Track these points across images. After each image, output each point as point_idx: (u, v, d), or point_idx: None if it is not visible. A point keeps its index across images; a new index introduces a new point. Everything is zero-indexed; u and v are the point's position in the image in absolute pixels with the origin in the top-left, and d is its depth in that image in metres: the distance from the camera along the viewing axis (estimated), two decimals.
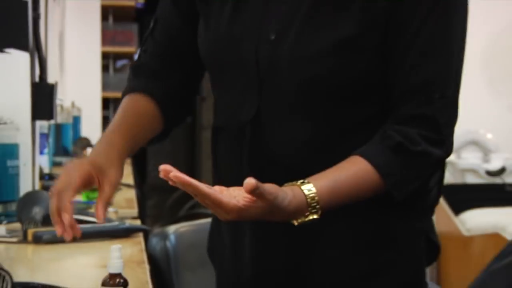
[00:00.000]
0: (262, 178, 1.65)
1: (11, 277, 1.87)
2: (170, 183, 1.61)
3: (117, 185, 1.84)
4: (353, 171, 1.80)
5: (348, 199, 1.80)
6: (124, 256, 2.13)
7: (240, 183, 1.65)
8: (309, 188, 1.71)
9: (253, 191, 1.55)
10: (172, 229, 2.87)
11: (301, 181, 1.73)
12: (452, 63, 1.88)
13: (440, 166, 1.94)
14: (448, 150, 1.89)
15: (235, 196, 1.64)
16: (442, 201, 8.15)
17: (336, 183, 1.77)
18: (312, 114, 1.89)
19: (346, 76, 1.85)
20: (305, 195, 1.71)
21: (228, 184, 1.74)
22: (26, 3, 3.47)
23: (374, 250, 1.95)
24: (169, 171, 1.58)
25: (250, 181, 1.54)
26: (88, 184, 1.79)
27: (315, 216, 1.73)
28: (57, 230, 1.76)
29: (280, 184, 1.73)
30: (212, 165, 2.22)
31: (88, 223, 2.93)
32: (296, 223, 1.74)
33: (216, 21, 1.97)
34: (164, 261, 2.65)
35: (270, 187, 1.62)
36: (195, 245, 2.74)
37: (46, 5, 5.57)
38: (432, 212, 2.01)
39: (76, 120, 6.35)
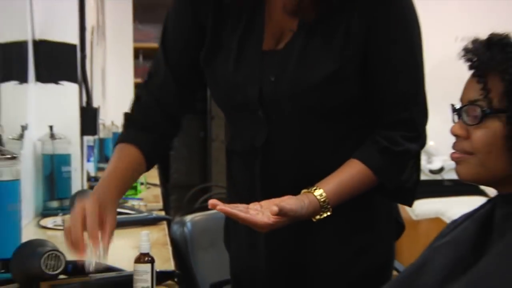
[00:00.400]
0: (272, 188, 1.86)
1: (64, 257, 1.86)
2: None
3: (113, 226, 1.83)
4: (352, 173, 1.85)
5: (351, 195, 1.84)
6: (152, 239, 2.14)
7: (253, 193, 1.89)
8: (320, 193, 1.78)
9: (278, 214, 1.64)
10: (188, 218, 2.87)
11: (314, 188, 1.79)
12: (419, 76, 1.92)
13: (418, 157, 1.98)
14: (423, 143, 1.95)
15: (264, 209, 1.69)
16: None
17: (341, 185, 1.82)
18: (310, 135, 1.91)
19: (335, 101, 1.87)
20: (318, 200, 1.77)
21: (243, 195, 1.96)
22: (75, 46, 3.46)
23: (359, 235, 1.96)
24: (216, 205, 1.63)
25: (273, 209, 1.63)
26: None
27: (328, 213, 1.79)
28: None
29: (286, 192, 1.78)
30: (227, 178, 2.22)
31: (124, 214, 2.95)
32: (314, 220, 1.79)
33: (222, 75, 1.95)
34: (183, 243, 2.66)
35: (290, 204, 1.70)
36: (206, 230, 2.75)
37: (91, 47, 5.59)
38: (411, 197, 2.06)
39: (115, 135, 6.37)
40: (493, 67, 1.60)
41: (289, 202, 1.71)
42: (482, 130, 1.60)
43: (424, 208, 6.70)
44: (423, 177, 7.50)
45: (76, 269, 1.93)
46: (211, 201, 1.66)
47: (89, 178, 4.22)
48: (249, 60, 1.91)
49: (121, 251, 1.96)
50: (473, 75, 1.64)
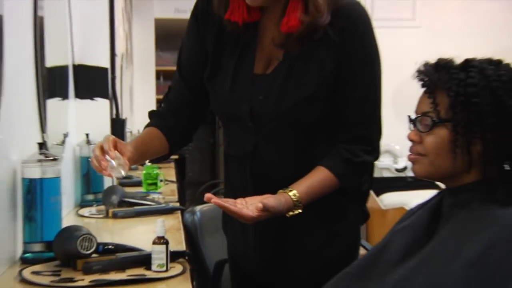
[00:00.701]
0: (259, 187, 1.88)
1: (96, 240, 1.88)
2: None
3: (131, 158, 1.82)
4: (321, 177, 1.86)
5: (318, 196, 1.85)
6: (168, 225, 2.16)
7: (245, 191, 1.90)
8: (294, 193, 1.80)
9: (262, 210, 1.68)
10: (198, 208, 2.87)
11: (289, 189, 1.80)
12: (377, 102, 1.95)
13: (372, 166, 2.01)
14: (377, 156, 1.98)
15: (248, 205, 1.73)
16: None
17: (311, 187, 1.84)
18: (290, 144, 1.92)
19: (310, 118, 1.90)
20: (292, 199, 1.79)
21: (237, 192, 1.93)
22: (107, 69, 3.48)
23: (333, 223, 1.97)
24: (210, 198, 1.71)
25: (259, 205, 1.68)
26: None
27: (300, 210, 1.81)
28: (104, 172, 1.81)
29: (271, 189, 1.82)
30: (224, 177, 2.23)
31: (145, 205, 2.97)
32: (288, 216, 1.80)
33: (221, 92, 1.96)
34: (193, 228, 2.66)
35: (271, 202, 1.74)
36: (213, 218, 2.74)
37: (121, 70, 5.62)
38: (366, 196, 2.07)
39: None
40: (441, 85, 1.61)
41: (270, 200, 1.74)
42: (432, 136, 1.62)
43: (391, 199, 6.83)
44: (390, 174, 7.61)
45: (105, 250, 1.98)
46: (207, 195, 1.72)
47: (122, 176, 4.24)
48: (243, 82, 1.92)
49: (142, 235, 2.01)
50: (424, 92, 1.66)
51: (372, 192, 7.92)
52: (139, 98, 8.44)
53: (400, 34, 8.18)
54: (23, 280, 1.78)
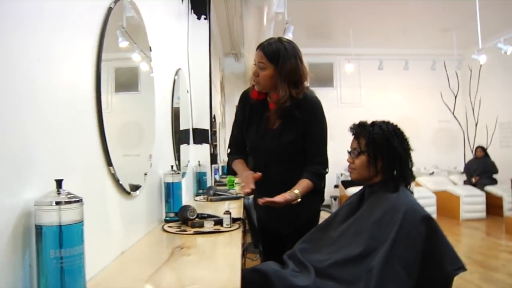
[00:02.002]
0: (268, 187, 1.79)
1: (196, 211, 1.89)
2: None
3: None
4: (306, 182, 1.81)
5: (306, 192, 1.79)
6: (236, 205, 2.15)
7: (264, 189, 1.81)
8: (297, 192, 1.75)
9: (285, 200, 1.71)
10: (250, 197, 2.87)
11: (294, 189, 1.76)
12: (325, 145, 1.92)
13: (325, 176, 1.93)
14: (327, 171, 1.92)
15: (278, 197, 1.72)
16: (341, 185, 8.04)
17: (303, 188, 1.78)
18: (284, 163, 1.89)
19: (292, 151, 1.88)
20: (297, 194, 1.74)
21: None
22: (208, 130, 3.52)
23: (305, 208, 1.89)
24: (260, 201, 1.70)
25: (286, 197, 1.71)
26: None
27: (299, 200, 1.75)
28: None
29: (277, 186, 1.78)
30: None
31: (226, 195, 2.96)
32: (294, 203, 1.74)
33: (250, 138, 1.97)
34: (248, 206, 2.64)
35: (290, 195, 1.73)
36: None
37: (219, 130, 5.62)
38: (323, 191, 1.99)
39: (224, 166, 6.36)
40: (361, 134, 1.61)
41: (289, 194, 1.72)
42: (358, 159, 1.62)
43: (352, 190, 6.41)
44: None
45: (202, 216, 1.97)
46: (259, 200, 1.71)
47: (215, 181, 4.25)
48: (261, 132, 1.93)
49: (221, 211, 1.94)
50: (354, 137, 1.65)
51: (343, 187, 7.83)
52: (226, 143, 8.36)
53: (353, 110, 8.12)
54: (164, 230, 1.81)
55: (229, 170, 2.15)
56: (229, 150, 2.10)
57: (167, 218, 2.03)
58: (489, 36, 6.67)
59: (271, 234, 2.04)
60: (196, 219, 1.90)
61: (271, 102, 1.88)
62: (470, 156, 8.52)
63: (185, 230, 1.78)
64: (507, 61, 7.33)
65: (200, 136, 3.38)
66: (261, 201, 1.69)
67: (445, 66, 8.68)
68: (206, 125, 3.53)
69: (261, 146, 1.93)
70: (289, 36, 4.88)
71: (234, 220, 1.88)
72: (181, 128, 2.93)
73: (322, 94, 2.03)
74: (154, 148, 1.94)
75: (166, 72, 2.39)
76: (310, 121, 1.86)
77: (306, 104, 1.84)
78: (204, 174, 3.32)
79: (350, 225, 1.57)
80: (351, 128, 1.67)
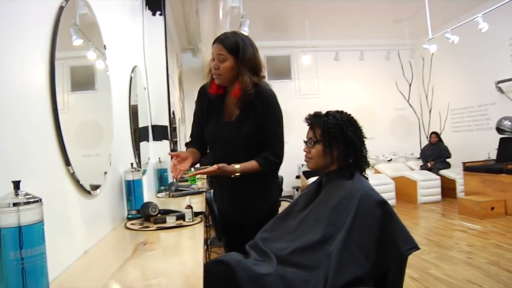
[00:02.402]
0: (228, 179, 1.88)
1: (158, 207, 1.89)
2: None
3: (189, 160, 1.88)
4: (251, 163, 1.86)
5: (248, 171, 1.85)
6: (198, 199, 2.15)
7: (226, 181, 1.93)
8: (237, 166, 1.83)
9: (218, 168, 1.79)
10: (212, 191, 2.88)
11: (236, 164, 1.83)
12: (280, 135, 1.95)
13: (278, 166, 1.96)
14: (281, 161, 1.94)
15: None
16: (302, 175, 8.17)
17: (245, 165, 1.84)
18: (243, 155, 1.90)
19: (250, 141, 1.91)
20: (235, 168, 1.83)
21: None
22: (167, 126, 3.49)
23: (265, 193, 1.97)
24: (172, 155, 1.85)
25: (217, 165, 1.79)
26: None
27: (238, 174, 1.84)
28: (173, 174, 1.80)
29: (236, 181, 1.87)
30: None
31: (187, 190, 2.95)
32: (233, 176, 1.83)
33: (209, 127, 1.99)
34: (209, 200, 2.65)
35: (224, 165, 1.81)
36: None
37: (179, 126, 5.58)
38: (281, 184, 2.12)
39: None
40: (316, 124, 1.66)
41: (227, 166, 1.82)
42: (314, 148, 1.67)
43: (312, 180, 6.56)
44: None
45: (164, 211, 1.96)
46: (169, 153, 1.99)
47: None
48: (220, 125, 1.96)
49: (183, 206, 1.94)
50: (309, 128, 1.70)
51: (304, 177, 7.97)
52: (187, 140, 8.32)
53: (312, 102, 8.26)
54: (127, 227, 1.81)
55: None
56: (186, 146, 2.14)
57: (129, 216, 2.01)
58: (439, 26, 6.95)
59: (233, 226, 2.07)
60: (159, 215, 1.91)
61: (232, 93, 1.91)
62: (425, 142, 8.85)
63: (148, 227, 1.78)
64: (455, 50, 7.64)
65: (160, 132, 3.35)
66: (170, 153, 1.91)
67: (399, 56, 8.95)
68: (165, 122, 3.51)
69: (220, 138, 1.96)
70: (245, 30, 4.90)
71: (196, 214, 1.90)
72: (140, 125, 2.90)
73: (280, 86, 2.13)
74: (113, 147, 1.93)
75: (122, 70, 2.36)
76: (267, 111, 1.89)
77: (263, 96, 1.89)
78: (165, 170, 3.30)
79: (309, 213, 1.63)
80: (306, 118, 1.72)
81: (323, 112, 1.72)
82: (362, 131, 1.70)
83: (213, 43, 1.87)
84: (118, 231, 1.77)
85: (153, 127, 3.29)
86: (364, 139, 1.70)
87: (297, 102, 8.53)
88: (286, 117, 1.97)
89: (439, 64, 8.64)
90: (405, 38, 8.29)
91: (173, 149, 3.70)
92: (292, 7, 7.03)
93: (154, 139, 3.27)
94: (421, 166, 8.12)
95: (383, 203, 1.51)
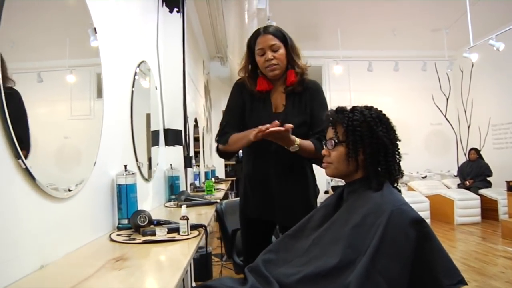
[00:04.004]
0: (277, 172, 1.87)
1: (149, 217, 1.63)
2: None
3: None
4: (308, 142, 1.77)
5: (306, 148, 1.75)
6: (208, 210, 1.88)
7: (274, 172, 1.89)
8: (297, 140, 1.71)
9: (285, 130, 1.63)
10: (224, 201, 2.62)
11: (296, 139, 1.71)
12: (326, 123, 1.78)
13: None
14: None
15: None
16: (331, 191, 7.78)
17: (304, 142, 1.74)
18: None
19: (302, 130, 1.82)
20: (295, 140, 1.70)
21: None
22: (181, 130, 3.25)
23: (303, 180, 1.90)
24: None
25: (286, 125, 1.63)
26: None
27: (297, 149, 1.72)
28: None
29: (284, 177, 1.86)
30: (247, 169, 2.03)
31: (198, 201, 2.69)
32: (290, 148, 1.72)
33: (255, 120, 1.85)
34: (220, 211, 2.40)
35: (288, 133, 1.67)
36: (230, 205, 2.52)
37: (203, 136, 5.39)
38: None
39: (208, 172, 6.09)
40: (339, 121, 1.35)
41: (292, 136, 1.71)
42: (335, 151, 1.36)
43: None
44: None
45: (158, 222, 1.69)
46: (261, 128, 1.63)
47: (195, 187, 4.01)
48: (269, 116, 1.85)
49: (192, 217, 1.68)
50: (330, 126, 1.40)
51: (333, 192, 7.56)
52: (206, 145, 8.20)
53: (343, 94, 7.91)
54: (111, 239, 1.54)
55: (222, 154, 1.93)
56: (217, 138, 1.94)
57: (120, 226, 1.76)
58: (480, 36, 6.48)
59: (262, 227, 1.96)
60: (152, 226, 1.63)
61: (287, 81, 1.88)
62: (463, 159, 8.32)
63: (135, 239, 1.51)
64: (498, 61, 7.15)
65: (173, 137, 3.10)
66: (263, 128, 1.61)
67: (436, 68, 8.51)
68: (180, 125, 3.26)
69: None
70: None
71: (195, 227, 1.62)
72: (152, 129, 2.69)
73: None
74: (101, 143, 1.67)
75: (122, 59, 2.12)
76: (314, 97, 1.89)
77: (309, 83, 1.91)
78: (177, 178, 3.05)
79: (325, 231, 1.31)
80: (327, 115, 1.42)
81: (347, 107, 1.41)
82: (396, 131, 1.38)
83: (259, 34, 1.86)
84: (99, 243, 1.50)
85: (166, 130, 3.05)
86: (398, 141, 1.37)
87: None
88: None
89: (480, 77, 8.13)
90: (443, 49, 7.84)
91: (187, 155, 3.45)
92: (323, 15, 6.74)
93: (167, 144, 3.02)
94: (458, 185, 7.59)
95: (420, 221, 1.18)
